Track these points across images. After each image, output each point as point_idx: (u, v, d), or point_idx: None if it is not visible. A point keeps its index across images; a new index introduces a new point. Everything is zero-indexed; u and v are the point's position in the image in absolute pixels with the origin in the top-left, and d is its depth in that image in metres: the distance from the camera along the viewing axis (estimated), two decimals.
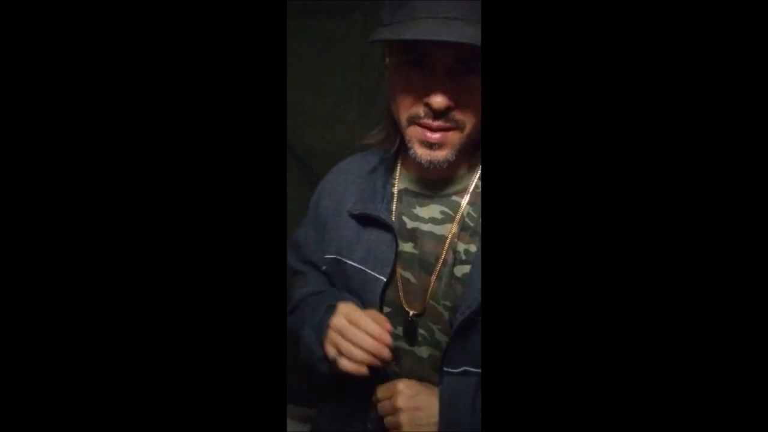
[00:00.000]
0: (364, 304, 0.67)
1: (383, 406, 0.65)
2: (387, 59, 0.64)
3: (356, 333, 0.61)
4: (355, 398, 0.73)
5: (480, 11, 0.57)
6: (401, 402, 0.62)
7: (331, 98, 1.09)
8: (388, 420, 0.64)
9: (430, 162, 0.61)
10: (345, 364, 0.62)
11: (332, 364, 0.64)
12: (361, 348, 0.61)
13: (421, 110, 0.59)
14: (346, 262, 0.70)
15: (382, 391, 0.66)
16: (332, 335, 0.64)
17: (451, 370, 0.63)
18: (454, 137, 0.60)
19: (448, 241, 0.64)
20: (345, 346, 0.62)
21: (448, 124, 0.59)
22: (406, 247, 0.67)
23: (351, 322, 0.62)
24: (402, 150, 0.70)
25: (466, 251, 0.63)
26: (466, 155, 0.64)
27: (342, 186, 0.75)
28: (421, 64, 0.58)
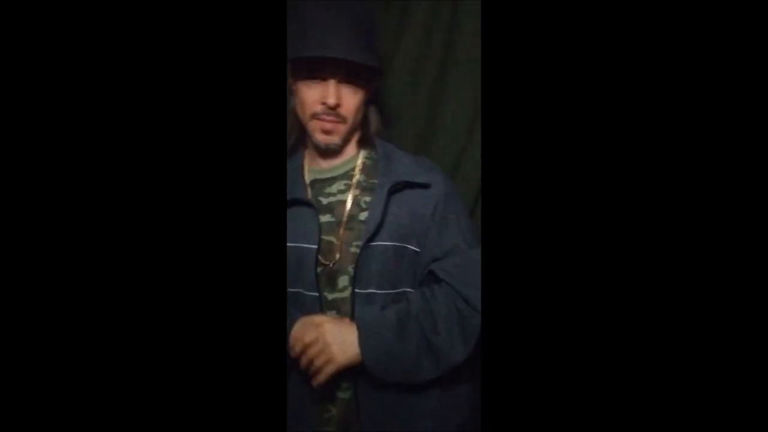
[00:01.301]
0: (304, 276, 0.85)
1: (313, 350, 0.79)
2: (290, 71, 0.88)
3: None
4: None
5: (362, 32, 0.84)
6: (329, 337, 0.79)
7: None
8: (319, 359, 0.78)
9: (327, 144, 0.88)
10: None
11: None
12: None
13: (319, 108, 0.86)
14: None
15: (308, 335, 0.79)
16: None
17: (359, 290, 0.85)
18: (340, 127, 0.88)
19: (351, 199, 0.89)
20: None
21: (336, 118, 0.87)
22: (325, 218, 0.89)
23: None
24: (303, 151, 0.96)
25: (365, 201, 0.89)
26: (348, 141, 0.92)
27: None
28: (318, 82, 0.86)
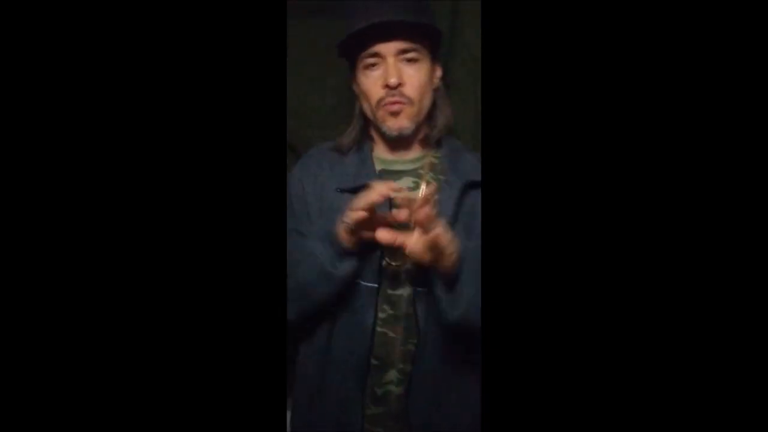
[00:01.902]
0: (365, 262, 0.80)
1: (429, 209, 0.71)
2: (353, 74, 0.87)
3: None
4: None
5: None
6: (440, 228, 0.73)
7: (332, 98, 1.10)
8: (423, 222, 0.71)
9: (398, 130, 0.84)
10: (351, 215, 0.73)
11: (350, 241, 0.76)
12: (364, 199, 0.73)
13: (383, 92, 0.82)
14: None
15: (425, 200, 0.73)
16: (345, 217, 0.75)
17: (420, 289, 0.82)
18: (407, 109, 0.84)
19: (424, 179, 0.84)
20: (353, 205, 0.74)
21: (402, 99, 0.83)
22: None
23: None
24: (371, 144, 0.92)
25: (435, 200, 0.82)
26: (419, 129, 0.88)
27: (322, 172, 0.91)
28: (377, 64, 0.83)
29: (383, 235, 0.73)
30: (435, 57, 0.88)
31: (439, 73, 0.89)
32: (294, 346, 0.91)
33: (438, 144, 0.90)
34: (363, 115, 0.89)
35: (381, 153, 0.91)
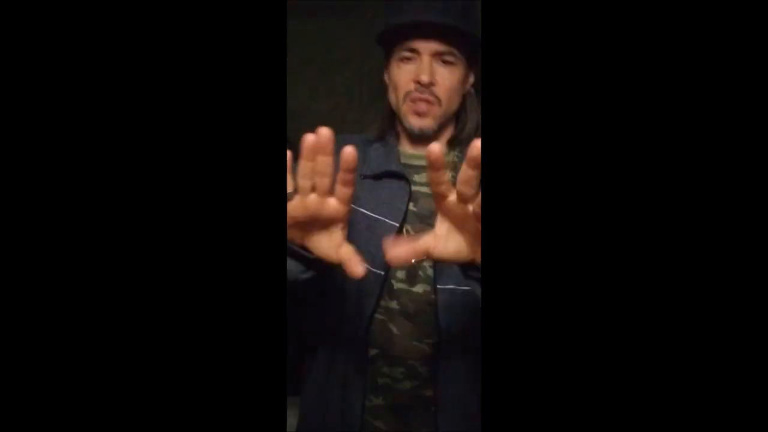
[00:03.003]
0: (373, 250, 0.75)
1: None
2: (386, 63, 0.86)
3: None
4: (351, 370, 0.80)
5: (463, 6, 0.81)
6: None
7: (332, 98, 1.10)
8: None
9: (420, 129, 0.83)
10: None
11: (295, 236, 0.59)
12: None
13: (413, 87, 0.81)
14: (358, 210, 0.82)
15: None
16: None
17: (441, 286, 0.79)
18: (434, 109, 0.83)
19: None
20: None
21: (430, 98, 0.82)
22: (409, 205, 0.83)
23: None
24: (395, 136, 0.90)
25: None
26: (443, 130, 0.87)
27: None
28: (412, 59, 0.82)
29: (396, 252, 0.55)
30: (471, 64, 0.87)
31: (471, 79, 0.88)
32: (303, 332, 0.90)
33: (462, 145, 0.89)
34: (390, 107, 0.88)
35: (404, 147, 0.90)
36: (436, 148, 0.52)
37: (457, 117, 0.88)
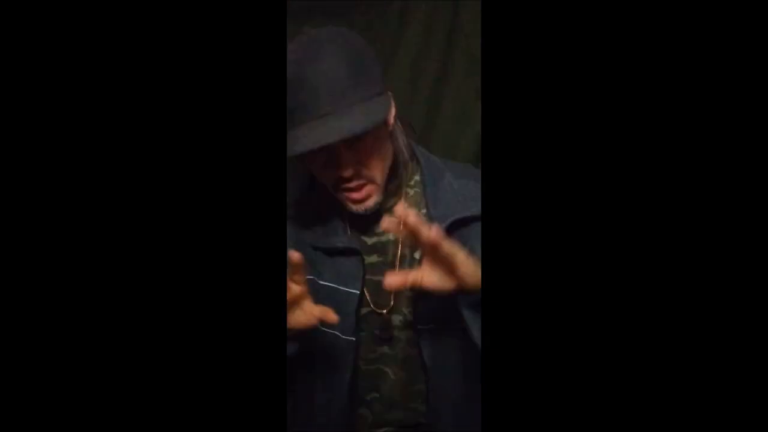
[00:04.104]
0: (341, 315, 0.73)
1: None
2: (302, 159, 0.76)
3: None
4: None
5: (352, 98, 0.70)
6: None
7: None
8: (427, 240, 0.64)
9: (365, 210, 0.76)
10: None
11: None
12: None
13: (339, 180, 0.73)
14: (318, 282, 0.79)
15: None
16: None
17: (422, 327, 0.77)
18: (372, 188, 0.75)
19: (402, 236, 0.77)
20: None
21: (363, 181, 0.74)
22: (371, 258, 0.80)
23: None
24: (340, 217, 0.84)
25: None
26: (387, 189, 0.79)
27: (296, 224, 0.84)
28: (322, 153, 0.72)
29: (392, 280, 0.66)
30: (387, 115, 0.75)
31: (393, 112, 0.76)
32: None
33: (411, 167, 0.82)
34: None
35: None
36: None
37: (393, 165, 0.79)
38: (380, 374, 0.82)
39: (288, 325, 0.69)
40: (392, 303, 0.80)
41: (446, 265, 0.66)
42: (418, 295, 0.77)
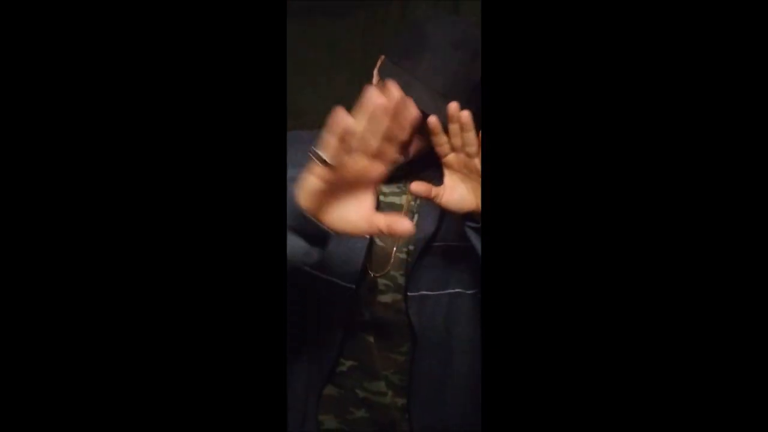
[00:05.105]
0: (345, 265, 0.76)
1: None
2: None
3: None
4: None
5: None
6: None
7: (332, 98, 1.10)
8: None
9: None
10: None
11: (313, 205, 0.57)
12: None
13: None
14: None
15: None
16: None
17: (411, 293, 0.78)
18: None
19: (405, 203, 0.80)
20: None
21: None
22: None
23: None
24: None
25: (418, 205, 0.80)
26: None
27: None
28: None
29: (417, 186, 0.67)
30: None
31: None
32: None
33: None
34: None
35: None
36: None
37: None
38: (360, 339, 0.81)
39: (319, 215, 0.57)
40: (388, 268, 0.80)
41: (472, 181, 0.68)
42: (416, 260, 0.78)
